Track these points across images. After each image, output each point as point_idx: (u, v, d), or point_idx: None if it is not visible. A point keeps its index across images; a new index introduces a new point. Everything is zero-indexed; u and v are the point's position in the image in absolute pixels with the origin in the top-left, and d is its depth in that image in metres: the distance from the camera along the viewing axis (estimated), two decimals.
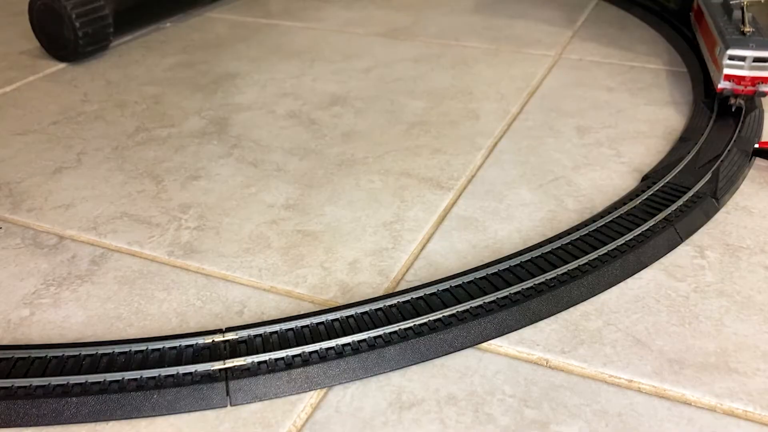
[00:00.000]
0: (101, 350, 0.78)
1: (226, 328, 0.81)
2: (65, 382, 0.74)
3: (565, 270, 0.89)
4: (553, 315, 0.86)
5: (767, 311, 0.86)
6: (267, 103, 1.45)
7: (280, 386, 0.75)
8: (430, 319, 0.82)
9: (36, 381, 0.74)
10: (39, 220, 1.07)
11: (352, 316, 0.83)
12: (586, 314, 0.86)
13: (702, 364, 0.79)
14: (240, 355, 0.77)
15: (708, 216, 1.03)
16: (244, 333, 0.81)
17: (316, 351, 0.78)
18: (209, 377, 0.75)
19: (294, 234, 1.02)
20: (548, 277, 0.88)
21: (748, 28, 1.27)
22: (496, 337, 0.82)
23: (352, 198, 1.11)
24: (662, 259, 0.95)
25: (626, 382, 0.77)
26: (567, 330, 0.84)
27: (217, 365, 0.76)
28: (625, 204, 1.03)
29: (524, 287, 0.86)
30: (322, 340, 0.79)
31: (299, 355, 0.78)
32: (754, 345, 0.81)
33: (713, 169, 1.09)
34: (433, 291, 0.87)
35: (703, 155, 1.14)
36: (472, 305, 0.84)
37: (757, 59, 1.22)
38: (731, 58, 1.23)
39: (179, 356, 0.78)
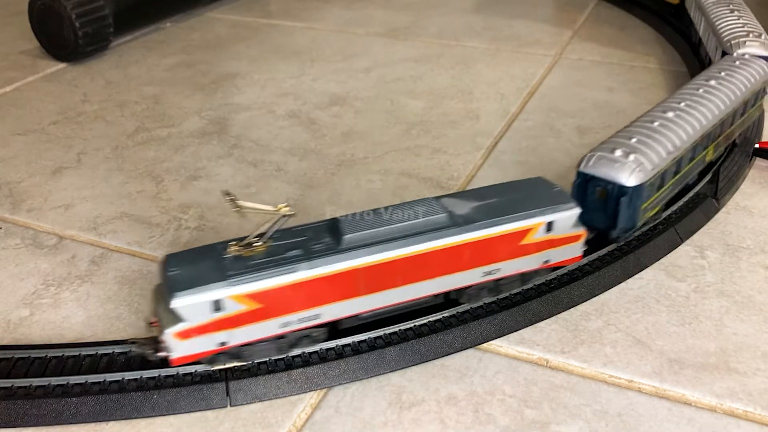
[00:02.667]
0: (101, 350, 0.78)
1: None
2: (65, 382, 0.74)
3: (566, 270, 0.89)
4: (553, 315, 0.86)
5: (767, 311, 0.86)
6: (267, 103, 1.45)
7: (280, 387, 0.75)
8: (430, 319, 0.82)
9: (36, 381, 0.74)
10: (39, 220, 1.07)
11: None
12: (586, 314, 0.86)
13: (702, 364, 0.79)
14: None
15: (708, 216, 1.03)
16: None
17: (316, 352, 0.78)
18: (209, 377, 0.75)
19: None
20: (548, 278, 0.88)
21: (245, 250, 0.73)
22: (496, 337, 0.82)
23: (352, 198, 1.11)
24: (662, 260, 0.95)
25: (626, 382, 0.77)
26: (567, 330, 0.84)
27: (217, 365, 0.76)
28: None
29: (524, 288, 0.86)
30: (322, 341, 0.79)
31: (299, 355, 0.78)
32: (754, 345, 0.81)
33: (713, 169, 1.09)
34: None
35: None
36: (472, 306, 0.84)
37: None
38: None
39: None
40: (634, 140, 0.89)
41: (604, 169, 0.86)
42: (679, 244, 0.98)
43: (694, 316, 0.86)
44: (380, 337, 0.80)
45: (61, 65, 1.64)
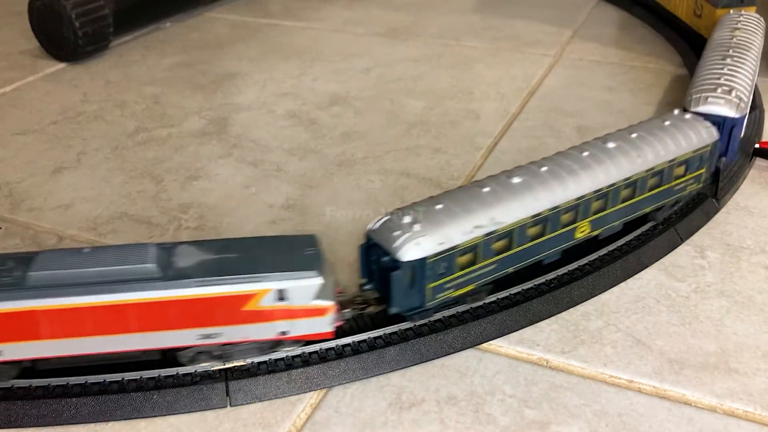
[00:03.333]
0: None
1: None
2: (65, 383, 0.74)
3: (566, 270, 0.89)
4: (553, 315, 0.86)
5: (767, 311, 0.86)
6: (267, 103, 1.45)
7: (279, 387, 0.75)
8: (430, 319, 0.82)
9: (35, 381, 0.74)
10: (39, 220, 1.07)
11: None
12: (587, 314, 0.86)
13: (702, 365, 0.79)
14: None
15: (708, 216, 1.03)
16: None
17: (316, 352, 0.78)
18: (209, 378, 0.75)
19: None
20: (549, 278, 0.88)
21: None
22: (496, 337, 0.82)
23: (352, 198, 1.11)
24: (662, 260, 0.95)
25: (626, 382, 0.77)
26: (567, 330, 0.84)
27: (217, 366, 0.76)
28: None
29: (524, 287, 0.86)
30: (322, 341, 0.79)
31: (299, 355, 0.78)
32: (755, 345, 0.81)
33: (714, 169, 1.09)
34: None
35: None
36: (472, 305, 0.84)
37: None
38: None
39: None
40: (439, 206, 0.77)
41: (384, 236, 0.75)
42: (679, 244, 0.98)
43: (694, 316, 0.86)
44: (380, 337, 0.80)
45: (61, 65, 1.64)
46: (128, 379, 0.74)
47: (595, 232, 0.89)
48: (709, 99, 1.02)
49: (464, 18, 1.95)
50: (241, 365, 0.76)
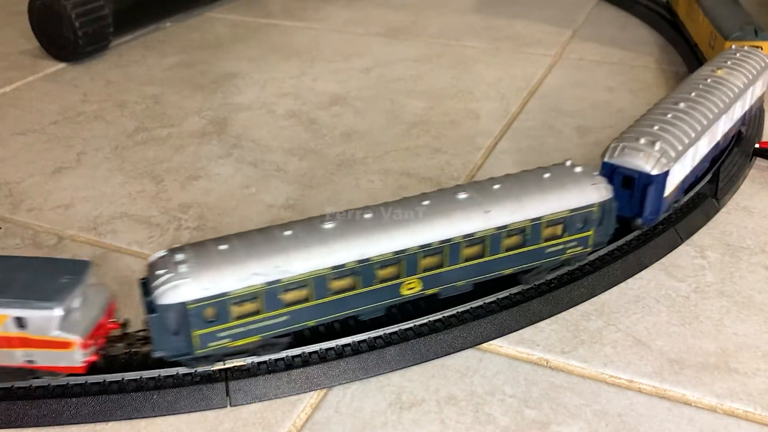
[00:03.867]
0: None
1: None
2: (65, 383, 0.74)
3: (566, 270, 0.89)
4: (553, 315, 0.86)
5: (767, 311, 0.86)
6: (267, 103, 1.45)
7: (280, 387, 0.75)
8: (431, 319, 0.82)
9: (36, 381, 0.74)
10: (39, 220, 1.07)
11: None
12: (587, 314, 0.86)
13: (702, 365, 0.79)
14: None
15: (708, 216, 1.03)
16: None
17: (316, 351, 0.78)
18: (209, 378, 0.75)
19: None
20: (549, 278, 0.88)
21: None
22: (496, 337, 0.82)
23: (352, 198, 1.11)
24: (662, 260, 0.95)
25: (626, 382, 0.77)
26: (567, 330, 0.84)
27: (217, 366, 0.76)
28: None
29: (525, 287, 0.86)
30: (322, 341, 0.79)
31: (299, 355, 0.78)
32: (755, 345, 0.81)
33: (714, 169, 1.09)
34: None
35: None
36: (472, 305, 0.84)
37: None
38: None
39: None
40: (223, 247, 0.71)
41: (151, 274, 0.70)
42: (680, 244, 0.98)
43: (694, 316, 0.86)
44: (380, 337, 0.80)
45: (61, 65, 1.64)
46: (128, 379, 0.74)
47: (431, 291, 0.79)
48: (626, 150, 0.88)
49: (464, 18, 1.95)
50: (241, 365, 0.76)
